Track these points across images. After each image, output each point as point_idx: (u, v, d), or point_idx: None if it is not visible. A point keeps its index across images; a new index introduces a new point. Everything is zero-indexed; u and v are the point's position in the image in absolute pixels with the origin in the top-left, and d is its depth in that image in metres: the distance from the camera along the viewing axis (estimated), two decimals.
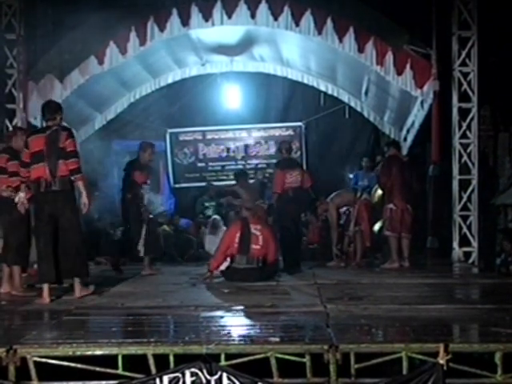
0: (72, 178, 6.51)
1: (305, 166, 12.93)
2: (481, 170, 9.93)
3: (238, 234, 7.88)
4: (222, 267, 7.88)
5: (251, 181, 12.23)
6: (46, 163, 6.49)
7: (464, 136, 9.84)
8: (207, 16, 9.59)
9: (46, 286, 6.48)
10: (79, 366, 4.50)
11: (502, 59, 10.29)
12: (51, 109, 6.78)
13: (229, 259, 7.85)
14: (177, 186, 13.50)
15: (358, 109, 12.19)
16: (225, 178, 13.15)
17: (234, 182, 11.89)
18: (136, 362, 4.55)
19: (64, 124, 6.96)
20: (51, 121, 6.68)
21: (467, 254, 9.78)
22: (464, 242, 9.83)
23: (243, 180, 11.59)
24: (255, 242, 7.85)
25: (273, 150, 13.18)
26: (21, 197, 6.78)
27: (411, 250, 9.06)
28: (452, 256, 9.79)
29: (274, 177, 9.29)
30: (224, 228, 9.96)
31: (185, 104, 13.11)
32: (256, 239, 7.85)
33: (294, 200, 8.89)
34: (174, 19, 9.65)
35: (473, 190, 9.81)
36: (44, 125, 6.84)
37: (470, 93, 9.78)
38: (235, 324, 5.69)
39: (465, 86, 9.77)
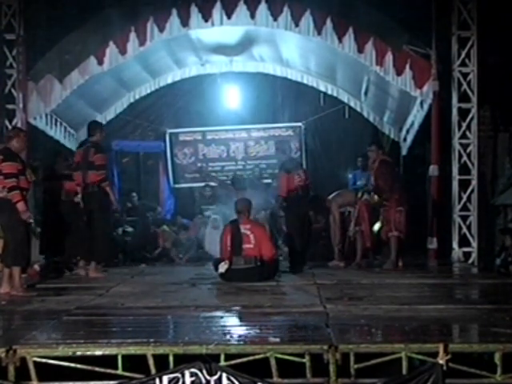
0: (101, 185, 8.16)
1: (304, 167, 12.94)
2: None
3: (229, 237, 7.98)
4: (222, 270, 7.87)
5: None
6: (80, 172, 8.29)
7: (464, 136, 9.85)
8: (207, 16, 9.59)
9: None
10: (79, 366, 4.50)
11: (502, 59, 10.28)
12: (90, 128, 8.54)
13: (227, 262, 7.86)
14: (176, 186, 13.48)
15: (358, 109, 12.19)
16: (225, 178, 13.12)
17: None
18: (136, 362, 4.55)
19: (95, 141, 8.40)
20: (90, 137, 8.45)
21: (467, 254, 9.78)
22: (464, 242, 9.83)
23: (238, 186, 11.51)
24: (247, 241, 7.90)
25: (273, 150, 13.15)
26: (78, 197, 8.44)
27: (411, 250, 9.04)
28: (452, 256, 9.79)
29: (278, 179, 9.16)
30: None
31: (184, 104, 13.09)
32: (247, 238, 7.90)
33: (303, 198, 8.94)
34: (174, 19, 9.65)
35: (472, 190, 9.81)
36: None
37: (470, 93, 9.79)
38: (235, 324, 5.70)
39: (464, 86, 9.78)
